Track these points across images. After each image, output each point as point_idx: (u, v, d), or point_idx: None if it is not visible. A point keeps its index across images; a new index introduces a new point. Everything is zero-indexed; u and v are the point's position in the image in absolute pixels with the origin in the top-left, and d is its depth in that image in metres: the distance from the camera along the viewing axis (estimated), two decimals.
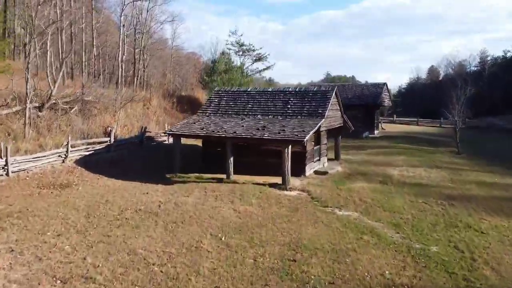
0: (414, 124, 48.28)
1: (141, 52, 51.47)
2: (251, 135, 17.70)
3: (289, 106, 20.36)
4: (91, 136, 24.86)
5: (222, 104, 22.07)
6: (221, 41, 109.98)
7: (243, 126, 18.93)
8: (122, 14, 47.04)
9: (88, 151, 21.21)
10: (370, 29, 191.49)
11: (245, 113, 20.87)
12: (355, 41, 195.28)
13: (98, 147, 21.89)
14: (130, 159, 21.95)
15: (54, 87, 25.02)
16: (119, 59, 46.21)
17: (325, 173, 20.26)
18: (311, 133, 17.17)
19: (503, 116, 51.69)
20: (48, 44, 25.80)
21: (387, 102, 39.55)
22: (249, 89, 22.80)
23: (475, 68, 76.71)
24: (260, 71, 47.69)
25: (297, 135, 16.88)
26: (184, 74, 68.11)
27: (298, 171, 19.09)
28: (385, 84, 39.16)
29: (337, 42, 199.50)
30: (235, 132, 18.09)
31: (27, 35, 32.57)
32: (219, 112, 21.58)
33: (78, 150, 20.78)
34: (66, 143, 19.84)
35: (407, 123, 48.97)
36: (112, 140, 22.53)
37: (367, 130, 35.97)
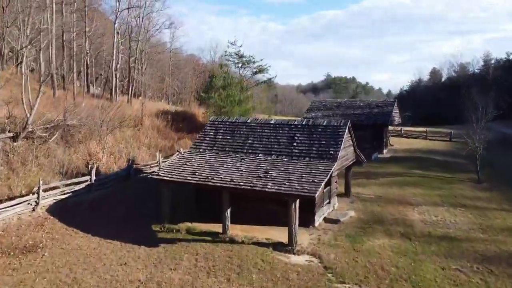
0: (423, 137, 45.44)
1: (136, 60, 48.85)
2: (251, 185, 14.98)
3: (295, 144, 17.67)
4: (72, 169, 22.17)
5: (218, 138, 19.38)
6: (220, 44, 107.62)
7: (241, 170, 16.22)
8: (117, 22, 44.46)
9: (64, 193, 18.50)
10: (370, 29, 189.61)
11: (244, 150, 18.18)
12: (355, 41, 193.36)
13: (77, 187, 19.16)
14: (113, 201, 19.23)
15: (30, 114, 22.31)
16: (113, 68, 43.56)
17: (337, 221, 17.58)
18: (322, 184, 14.46)
19: (507, 121, 49.27)
20: (24, 66, 23.05)
21: (397, 120, 36.99)
22: (248, 120, 20.04)
23: (478, 71, 74.62)
24: (260, 83, 44.98)
25: (306, 189, 14.12)
26: (183, 77, 65.66)
27: (306, 220, 16.49)
28: (395, 101, 36.75)
29: (337, 42, 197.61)
30: (232, 181, 15.36)
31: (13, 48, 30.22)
32: (215, 147, 18.90)
33: (53, 194, 18.07)
34: (37, 188, 17.15)
35: (415, 136, 46.12)
36: (94, 178, 19.77)
37: (376, 151, 33.30)
